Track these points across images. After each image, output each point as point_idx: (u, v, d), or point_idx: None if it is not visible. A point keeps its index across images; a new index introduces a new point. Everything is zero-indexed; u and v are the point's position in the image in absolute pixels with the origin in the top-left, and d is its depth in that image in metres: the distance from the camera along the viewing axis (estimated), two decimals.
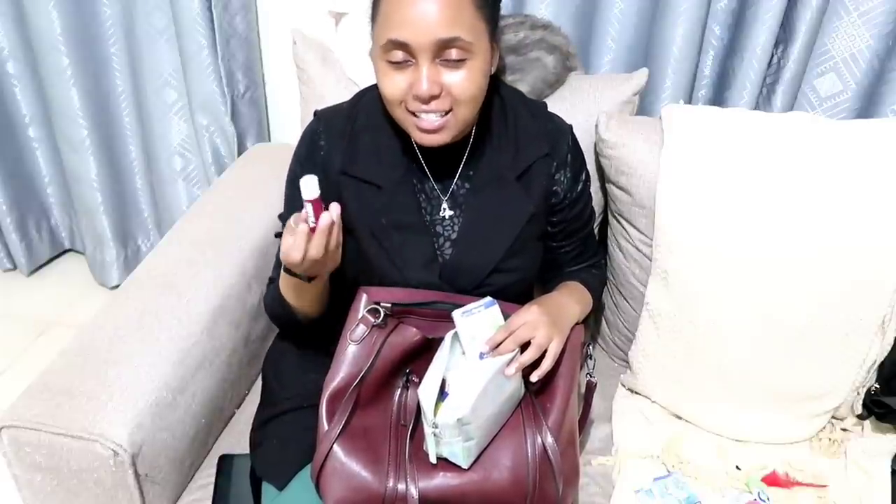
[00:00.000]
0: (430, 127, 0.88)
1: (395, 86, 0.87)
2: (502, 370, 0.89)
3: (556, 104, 1.24)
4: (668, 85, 1.37)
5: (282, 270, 0.92)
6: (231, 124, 1.66)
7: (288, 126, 1.78)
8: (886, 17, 1.29)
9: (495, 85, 1.03)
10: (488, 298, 0.94)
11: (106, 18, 1.64)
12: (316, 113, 1.05)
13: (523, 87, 1.22)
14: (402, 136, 0.98)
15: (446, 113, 0.88)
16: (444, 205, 1.01)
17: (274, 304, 1.01)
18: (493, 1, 0.90)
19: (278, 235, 1.04)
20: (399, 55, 0.85)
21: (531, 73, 1.22)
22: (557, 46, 1.24)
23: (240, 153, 1.67)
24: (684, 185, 1.13)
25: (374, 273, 0.98)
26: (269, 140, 1.80)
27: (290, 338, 1.11)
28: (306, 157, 1.01)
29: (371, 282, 0.98)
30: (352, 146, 0.99)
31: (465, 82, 0.86)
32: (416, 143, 0.97)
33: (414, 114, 0.88)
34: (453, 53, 0.84)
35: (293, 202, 1.03)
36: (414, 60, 0.85)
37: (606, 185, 1.26)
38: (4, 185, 1.92)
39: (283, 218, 1.05)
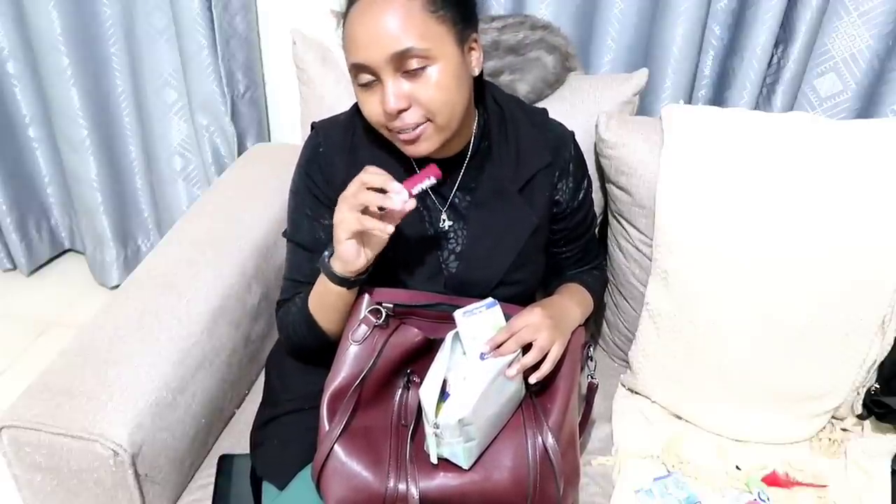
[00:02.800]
0: (409, 138, 0.88)
1: (371, 109, 0.88)
2: (503, 371, 0.89)
3: (556, 104, 1.24)
4: (668, 85, 1.38)
5: (323, 282, 0.91)
6: (231, 124, 1.66)
7: (288, 126, 1.78)
8: (886, 17, 1.29)
9: (492, 93, 1.02)
10: (490, 299, 0.94)
11: (106, 18, 1.64)
12: (313, 125, 1.04)
13: (523, 87, 1.22)
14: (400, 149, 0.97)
15: (419, 125, 0.87)
16: (443, 216, 1.01)
17: (298, 327, 0.99)
18: (455, 2, 0.87)
19: (286, 235, 1.04)
20: (366, 77, 0.86)
21: (531, 73, 1.22)
22: (557, 46, 1.24)
23: (240, 153, 1.67)
24: (684, 185, 1.13)
25: (381, 285, 0.98)
26: (269, 140, 1.80)
27: (300, 356, 1.07)
28: (310, 170, 1.00)
29: None
30: (352, 160, 0.97)
31: (430, 90, 0.85)
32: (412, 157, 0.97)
33: (396, 131, 0.88)
34: (413, 63, 0.83)
35: (299, 218, 1.01)
36: (378, 79, 0.85)
37: (606, 185, 1.26)
38: (4, 185, 1.92)
39: (289, 237, 1.03)
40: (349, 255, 0.87)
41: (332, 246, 0.89)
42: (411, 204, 0.84)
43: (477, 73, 0.93)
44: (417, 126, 0.87)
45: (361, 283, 0.92)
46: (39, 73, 1.72)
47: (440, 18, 0.85)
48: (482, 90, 1.00)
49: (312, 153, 1.01)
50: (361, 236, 0.86)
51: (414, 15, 0.83)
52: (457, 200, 1.01)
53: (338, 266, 0.89)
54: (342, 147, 0.99)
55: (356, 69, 0.86)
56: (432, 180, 0.86)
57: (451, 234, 1.01)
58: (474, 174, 1.00)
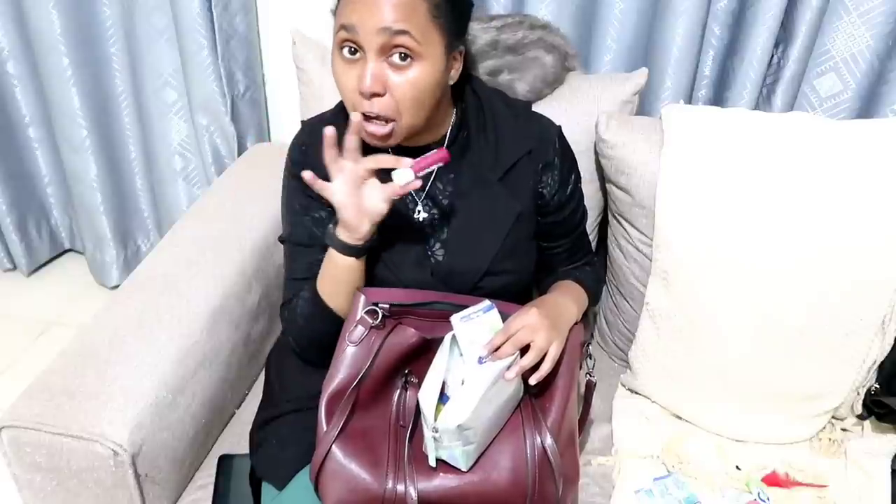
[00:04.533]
0: (379, 132, 0.89)
1: (346, 78, 0.88)
2: (502, 374, 0.88)
3: (556, 104, 1.24)
4: (668, 85, 1.37)
5: (330, 257, 0.93)
6: (231, 124, 1.65)
7: (288, 126, 1.78)
8: (886, 17, 1.29)
9: (472, 86, 1.03)
10: (487, 302, 0.93)
11: (106, 18, 1.64)
12: (302, 123, 1.06)
13: (522, 86, 1.22)
14: None
15: (389, 121, 0.88)
16: (419, 206, 1.02)
17: (309, 316, 0.98)
18: (454, 15, 0.89)
19: (281, 240, 1.04)
20: (349, 46, 0.86)
21: (530, 72, 1.22)
22: (556, 46, 1.24)
23: (240, 153, 1.67)
24: (684, 185, 1.13)
25: (370, 276, 0.98)
26: (269, 140, 1.80)
27: (310, 360, 1.05)
28: (296, 167, 1.00)
29: (367, 284, 0.97)
30: None
31: (407, 85, 0.86)
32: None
33: (365, 117, 0.88)
34: (399, 52, 0.85)
35: (292, 216, 1.02)
36: (363, 53, 0.86)
37: (606, 185, 1.26)
38: (4, 185, 1.92)
39: (286, 238, 1.03)
40: (351, 221, 0.89)
41: (335, 217, 0.91)
42: (416, 183, 0.88)
43: (453, 82, 0.95)
44: (385, 124, 0.88)
45: (367, 251, 0.93)
46: (39, 74, 1.72)
47: (439, 25, 0.87)
48: (463, 85, 1.01)
49: (297, 151, 1.02)
50: (360, 202, 0.89)
51: (418, 11, 0.84)
52: (437, 189, 1.02)
53: (343, 235, 0.91)
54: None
55: (343, 31, 0.86)
56: (439, 163, 0.89)
57: (436, 222, 1.02)
58: (454, 164, 1.01)
